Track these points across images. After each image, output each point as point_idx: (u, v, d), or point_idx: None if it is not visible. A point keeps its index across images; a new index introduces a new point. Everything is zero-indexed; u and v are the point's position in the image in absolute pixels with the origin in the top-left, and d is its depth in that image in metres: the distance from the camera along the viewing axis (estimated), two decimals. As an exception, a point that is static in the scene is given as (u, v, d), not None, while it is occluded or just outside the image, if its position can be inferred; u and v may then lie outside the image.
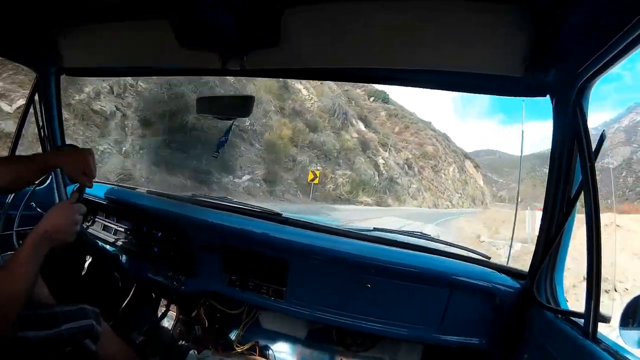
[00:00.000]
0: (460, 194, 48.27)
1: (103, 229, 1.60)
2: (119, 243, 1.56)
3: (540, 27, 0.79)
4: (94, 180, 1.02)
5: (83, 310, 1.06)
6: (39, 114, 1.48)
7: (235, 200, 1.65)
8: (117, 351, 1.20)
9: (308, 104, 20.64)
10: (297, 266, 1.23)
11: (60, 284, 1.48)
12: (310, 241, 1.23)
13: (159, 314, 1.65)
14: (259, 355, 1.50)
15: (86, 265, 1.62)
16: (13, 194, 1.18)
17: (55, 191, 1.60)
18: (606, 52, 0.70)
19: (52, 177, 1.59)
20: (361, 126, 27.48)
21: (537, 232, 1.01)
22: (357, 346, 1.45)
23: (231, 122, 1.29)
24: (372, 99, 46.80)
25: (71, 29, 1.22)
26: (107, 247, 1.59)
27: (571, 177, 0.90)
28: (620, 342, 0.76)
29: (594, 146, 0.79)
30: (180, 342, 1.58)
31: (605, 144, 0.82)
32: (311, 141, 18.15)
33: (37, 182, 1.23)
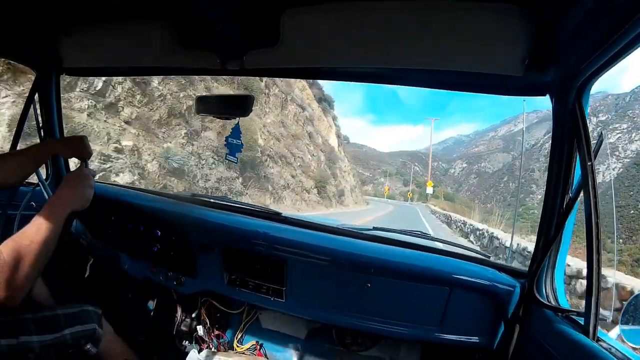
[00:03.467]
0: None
1: (102, 229, 1.60)
2: (119, 243, 1.56)
3: (540, 26, 0.79)
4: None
5: (85, 313, 1.06)
6: (38, 113, 1.48)
7: (235, 199, 1.65)
8: (118, 352, 1.20)
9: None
10: (297, 266, 1.23)
11: (61, 285, 1.48)
12: (310, 240, 1.23)
13: (160, 314, 1.65)
14: (259, 355, 1.51)
15: (88, 266, 1.63)
16: (13, 194, 1.18)
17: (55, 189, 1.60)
18: (606, 51, 0.70)
19: (51, 177, 1.59)
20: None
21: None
22: (357, 345, 1.45)
23: (237, 123, 1.27)
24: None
25: (71, 28, 1.22)
26: (107, 247, 1.59)
27: (571, 176, 0.90)
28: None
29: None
30: (180, 342, 1.59)
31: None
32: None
33: (37, 182, 1.23)
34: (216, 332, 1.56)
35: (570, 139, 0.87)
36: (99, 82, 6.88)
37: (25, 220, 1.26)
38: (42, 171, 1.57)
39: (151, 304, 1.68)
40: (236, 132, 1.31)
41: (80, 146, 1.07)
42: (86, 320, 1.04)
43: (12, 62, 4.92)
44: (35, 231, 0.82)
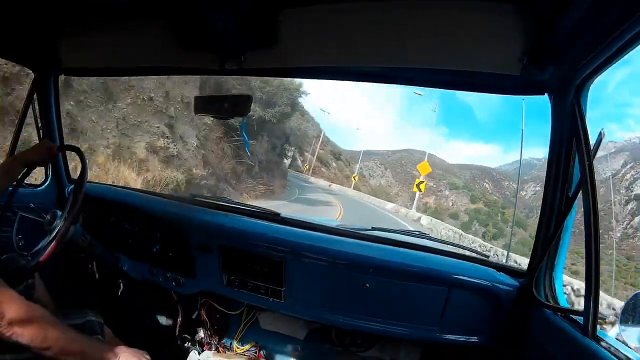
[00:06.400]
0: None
1: (102, 230, 1.59)
2: (118, 244, 1.55)
3: (538, 25, 0.78)
4: (93, 182, 1.04)
5: (90, 324, 1.06)
6: (37, 114, 1.48)
7: (234, 200, 1.65)
8: None
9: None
10: (296, 266, 1.22)
11: (61, 286, 1.48)
12: (309, 241, 1.23)
13: (159, 315, 1.65)
14: (258, 356, 1.50)
15: (87, 267, 1.62)
16: (12, 195, 1.18)
17: (56, 190, 1.60)
18: (604, 50, 0.70)
19: (50, 178, 1.59)
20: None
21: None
22: (357, 346, 1.44)
23: (243, 122, 1.28)
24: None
25: (70, 29, 1.22)
26: (106, 248, 1.59)
27: (570, 175, 0.90)
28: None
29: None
30: (180, 343, 1.58)
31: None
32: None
33: (37, 183, 1.24)
34: (216, 334, 1.56)
35: (569, 138, 0.87)
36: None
37: (24, 222, 1.27)
38: (42, 173, 1.58)
39: (151, 305, 1.67)
40: (242, 130, 1.36)
41: (47, 149, 1.18)
42: (90, 332, 1.04)
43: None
44: None
